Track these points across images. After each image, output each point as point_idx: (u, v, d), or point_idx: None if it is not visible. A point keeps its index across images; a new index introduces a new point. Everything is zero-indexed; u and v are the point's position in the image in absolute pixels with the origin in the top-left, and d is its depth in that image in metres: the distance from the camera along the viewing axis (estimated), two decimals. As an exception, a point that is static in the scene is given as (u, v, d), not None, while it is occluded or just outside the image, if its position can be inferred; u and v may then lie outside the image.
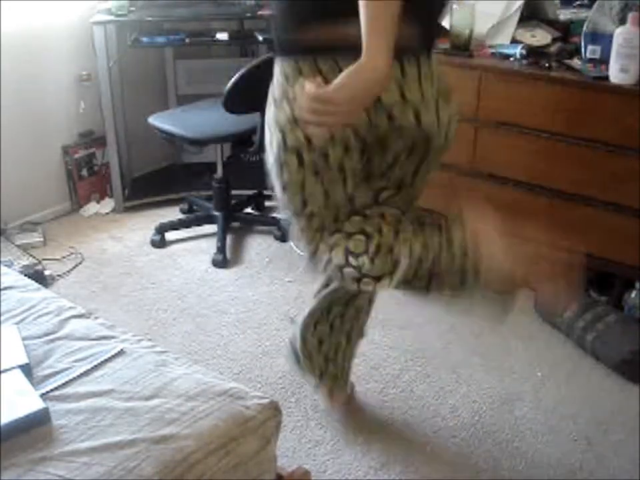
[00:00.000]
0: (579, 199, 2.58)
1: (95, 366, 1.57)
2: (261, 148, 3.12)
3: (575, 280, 1.58)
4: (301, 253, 1.82)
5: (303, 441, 2.12)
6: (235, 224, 3.37)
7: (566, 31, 2.77)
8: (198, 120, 3.18)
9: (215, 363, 2.45)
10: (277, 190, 1.70)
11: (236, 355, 2.50)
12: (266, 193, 3.57)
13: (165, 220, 3.32)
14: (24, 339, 1.64)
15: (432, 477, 2.00)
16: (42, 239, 3.23)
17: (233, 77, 2.78)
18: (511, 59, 2.67)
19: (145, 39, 3.36)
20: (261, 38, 3.38)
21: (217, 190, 3.27)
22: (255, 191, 3.54)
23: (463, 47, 2.74)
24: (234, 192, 3.34)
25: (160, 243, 3.23)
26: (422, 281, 1.62)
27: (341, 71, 1.41)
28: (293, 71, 1.56)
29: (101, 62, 3.29)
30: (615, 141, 2.44)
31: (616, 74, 2.41)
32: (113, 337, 1.68)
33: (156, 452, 1.34)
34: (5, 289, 1.86)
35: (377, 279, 1.63)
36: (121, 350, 1.62)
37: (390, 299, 2.81)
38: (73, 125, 3.47)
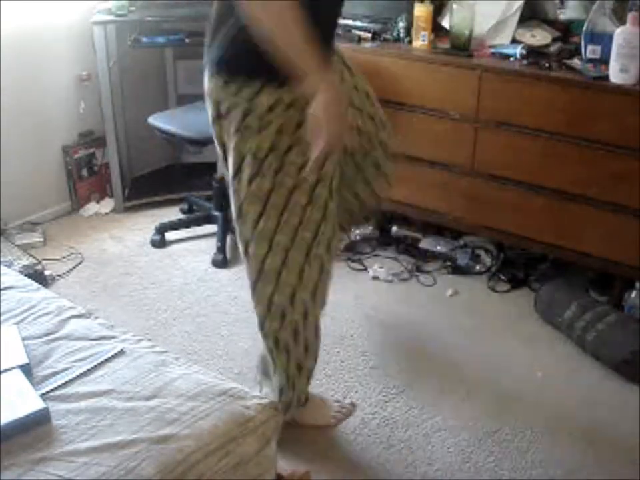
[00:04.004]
0: (578, 199, 2.57)
1: (95, 366, 1.57)
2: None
3: None
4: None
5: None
6: (235, 224, 3.36)
7: (566, 31, 2.77)
8: (198, 120, 3.16)
9: (215, 363, 2.44)
10: None
11: (236, 355, 2.50)
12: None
13: (165, 220, 3.31)
14: (24, 339, 1.64)
15: (432, 476, 2.00)
16: (42, 239, 3.23)
17: (232, 77, 2.77)
18: (511, 58, 2.67)
19: (145, 39, 3.36)
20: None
21: (217, 190, 3.26)
22: (255, 191, 3.53)
23: (463, 47, 2.74)
24: (234, 192, 3.33)
25: (160, 243, 3.23)
26: None
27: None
28: None
29: (100, 62, 3.29)
30: (615, 141, 2.44)
31: (616, 74, 2.41)
32: (112, 337, 1.68)
33: (156, 452, 1.34)
34: (5, 288, 1.86)
35: None
36: (121, 350, 1.63)
37: (390, 298, 2.81)
38: (73, 124, 3.47)
